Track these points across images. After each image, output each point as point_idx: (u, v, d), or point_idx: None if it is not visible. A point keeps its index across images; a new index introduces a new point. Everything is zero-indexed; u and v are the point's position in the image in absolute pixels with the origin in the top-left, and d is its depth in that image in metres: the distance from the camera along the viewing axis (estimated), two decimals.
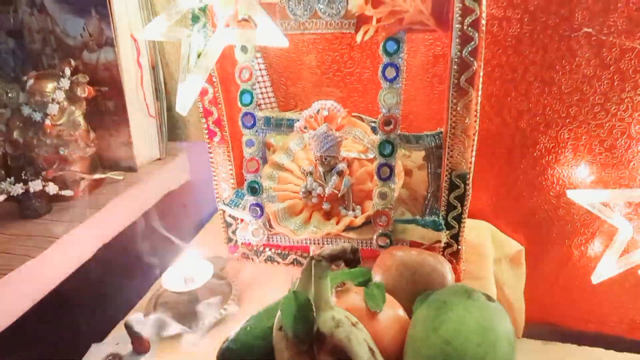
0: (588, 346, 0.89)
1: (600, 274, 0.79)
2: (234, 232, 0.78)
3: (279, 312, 0.45)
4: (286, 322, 0.42)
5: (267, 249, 0.77)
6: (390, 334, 0.47)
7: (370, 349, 0.42)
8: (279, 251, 0.77)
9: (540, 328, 0.92)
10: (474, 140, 0.61)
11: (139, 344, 0.62)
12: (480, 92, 0.59)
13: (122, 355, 0.62)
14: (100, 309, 0.72)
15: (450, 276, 0.60)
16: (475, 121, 0.60)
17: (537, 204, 0.82)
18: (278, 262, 0.78)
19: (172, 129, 1.00)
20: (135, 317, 0.62)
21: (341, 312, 0.44)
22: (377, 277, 0.60)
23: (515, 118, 0.77)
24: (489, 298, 0.46)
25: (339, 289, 0.53)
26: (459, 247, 0.68)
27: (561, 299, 0.89)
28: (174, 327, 0.64)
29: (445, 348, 0.41)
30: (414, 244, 0.67)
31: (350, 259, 0.44)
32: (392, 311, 0.50)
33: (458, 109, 0.60)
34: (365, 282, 0.55)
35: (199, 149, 0.90)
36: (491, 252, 0.80)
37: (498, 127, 0.78)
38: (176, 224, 0.85)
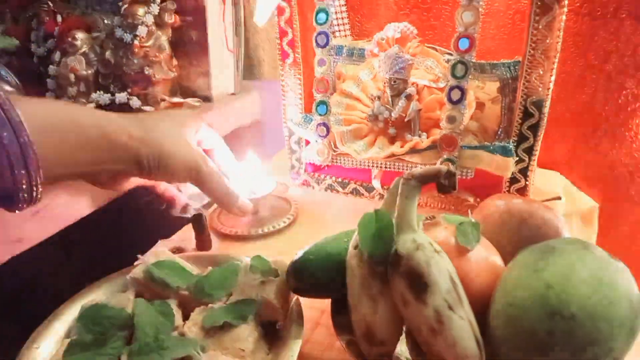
0: None
1: None
2: (297, 160, 0.80)
3: (356, 230, 0.41)
4: (363, 240, 0.39)
5: (327, 177, 0.78)
6: (480, 278, 0.39)
7: (452, 281, 0.35)
8: (340, 179, 0.78)
9: None
10: (554, 63, 0.59)
11: (202, 242, 0.66)
12: (565, 10, 0.56)
13: (186, 249, 0.66)
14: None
15: (566, 235, 0.48)
16: (558, 42, 0.57)
17: (617, 157, 0.77)
18: (337, 191, 0.79)
19: (247, 67, 1.04)
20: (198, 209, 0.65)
21: (425, 237, 0.38)
22: None
23: (601, 59, 0.73)
24: (611, 256, 0.38)
25: (428, 221, 0.47)
26: (527, 182, 0.66)
27: (633, 265, 0.83)
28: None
29: (546, 292, 0.33)
30: (479, 173, 0.65)
31: (443, 184, 0.38)
32: (486, 254, 0.42)
33: (540, 27, 0.57)
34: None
35: (271, 88, 0.92)
36: (561, 204, 0.76)
37: (581, 70, 0.74)
38: (243, 157, 0.88)
